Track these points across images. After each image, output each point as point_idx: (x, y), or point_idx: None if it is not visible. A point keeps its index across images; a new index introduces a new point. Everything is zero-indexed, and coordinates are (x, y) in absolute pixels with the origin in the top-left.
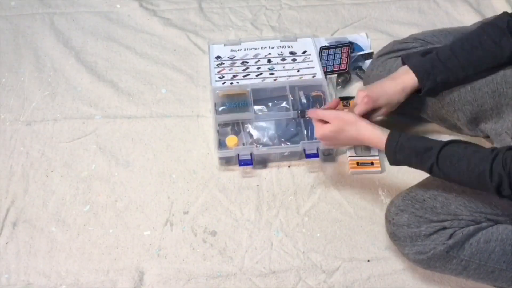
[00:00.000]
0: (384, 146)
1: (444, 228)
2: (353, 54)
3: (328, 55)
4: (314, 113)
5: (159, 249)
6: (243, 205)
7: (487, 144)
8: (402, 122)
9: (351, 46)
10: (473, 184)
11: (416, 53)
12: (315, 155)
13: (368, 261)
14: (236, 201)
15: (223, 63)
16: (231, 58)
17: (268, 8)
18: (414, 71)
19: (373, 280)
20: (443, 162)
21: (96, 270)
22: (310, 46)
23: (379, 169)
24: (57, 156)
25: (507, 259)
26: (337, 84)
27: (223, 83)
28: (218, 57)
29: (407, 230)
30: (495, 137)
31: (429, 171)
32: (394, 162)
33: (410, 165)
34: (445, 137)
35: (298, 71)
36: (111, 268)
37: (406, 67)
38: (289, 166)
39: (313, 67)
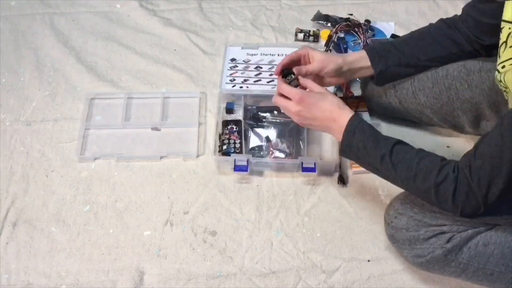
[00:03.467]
0: (345, 123)
1: (443, 232)
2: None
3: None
4: (301, 80)
5: (159, 249)
6: (243, 205)
7: None
8: (403, 124)
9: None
10: (417, 181)
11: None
12: (312, 169)
13: (368, 261)
14: (236, 201)
15: (237, 66)
16: (245, 62)
17: (268, 8)
18: (367, 52)
19: (373, 280)
20: (397, 154)
21: (96, 270)
22: None
23: None
24: (57, 156)
25: (506, 262)
26: None
27: (232, 86)
28: (233, 60)
29: (405, 233)
30: None
31: (380, 159)
32: (348, 143)
33: (364, 148)
34: (448, 139)
35: None
36: (111, 268)
37: (361, 52)
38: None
39: None
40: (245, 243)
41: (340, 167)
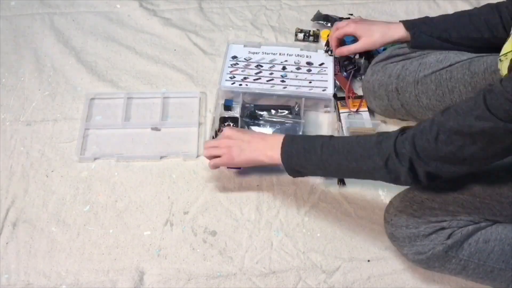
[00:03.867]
0: (279, 145)
1: (443, 228)
2: None
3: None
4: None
5: (159, 249)
6: (243, 205)
7: None
8: (403, 124)
9: None
10: (363, 157)
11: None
12: None
13: (368, 261)
14: (236, 201)
15: (238, 64)
16: (246, 60)
17: (268, 8)
18: (403, 23)
19: (373, 280)
20: (336, 139)
21: (96, 270)
22: (329, 58)
23: None
24: (57, 156)
25: (506, 259)
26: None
27: (232, 83)
28: (234, 57)
29: (405, 230)
30: None
31: (320, 148)
32: (288, 153)
33: (304, 151)
34: None
35: (310, 82)
36: (111, 268)
37: (397, 23)
38: None
39: (326, 81)
40: (245, 243)
41: None
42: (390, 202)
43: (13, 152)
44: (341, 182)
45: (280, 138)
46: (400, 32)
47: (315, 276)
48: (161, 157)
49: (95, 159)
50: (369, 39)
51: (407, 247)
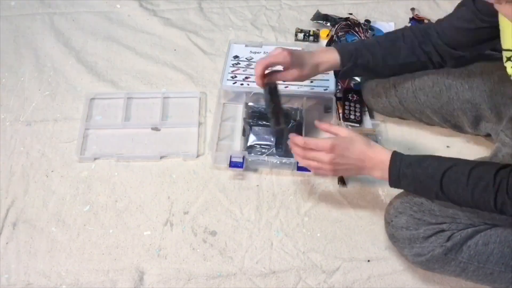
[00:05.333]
0: (386, 170)
1: (442, 230)
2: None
3: None
4: (322, 125)
5: (159, 249)
6: (243, 205)
7: (487, 144)
8: (403, 124)
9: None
10: (480, 209)
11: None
12: (307, 169)
13: (368, 261)
14: (236, 201)
15: (239, 63)
16: (248, 60)
17: (268, 8)
18: (337, 50)
19: (373, 280)
20: (448, 189)
21: (96, 270)
22: None
23: None
24: (57, 156)
25: (506, 261)
26: None
27: (233, 83)
28: (236, 57)
29: (405, 232)
30: (495, 136)
31: (435, 196)
32: (397, 186)
33: (415, 191)
34: (448, 139)
35: (311, 81)
36: (111, 268)
37: (329, 47)
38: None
39: (327, 80)
40: (245, 243)
41: None
42: (390, 202)
43: (13, 152)
44: (341, 182)
45: (385, 157)
46: (330, 58)
47: (315, 276)
48: (161, 157)
49: (95, 159)
50: (300, 72)
51: (407, 249)
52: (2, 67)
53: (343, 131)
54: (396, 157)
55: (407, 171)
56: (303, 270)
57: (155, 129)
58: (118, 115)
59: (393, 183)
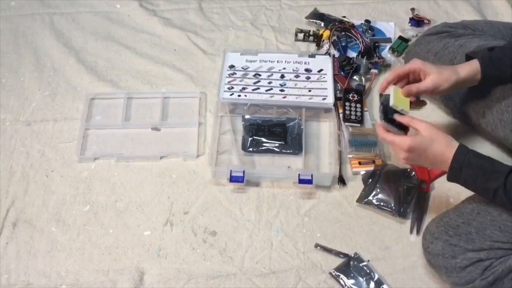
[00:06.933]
0: (449, 158)
1: (481, 260)
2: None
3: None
4: (402, 119)
5: (159, 249)
6: (243, 205)
7: None
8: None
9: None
10: None
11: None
12: (309, 181)
13: (368, 261)
14: (236, 201)
15: (235, 73)
16: (244, 69)
17: (268, 8)
18: (481, 62)
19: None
20: (511, 187)
21: (96, 270)
22: (327, 64)
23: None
24: (57, 156)
25: None
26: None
27: (231, 95)
28: (231, 66)
29: (442, 260)
30: None
31: (493, 194)
32: (455, 177)
33: (474, 183)
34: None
35: (309, 91)
36: (111, 268)
37: (472, 63)
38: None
39: (325, 89)
40: (245, 243)
41: (340, 167)
42: (427, 227)
43: (13, 152)
44: (341, 182)
45: (449, 154)
46: (476, 76)
47: (315, 276)
48: (161, 157)
49: (95, 159)
50: (439, 75)
51: (445, 276)
52: (2, 67)
53: (425, 128)
54: (463, 147)
55: (474, 160)
56: (303, 270)
57: (155, 129)
58: (118, 115)
59: (453, 173)
